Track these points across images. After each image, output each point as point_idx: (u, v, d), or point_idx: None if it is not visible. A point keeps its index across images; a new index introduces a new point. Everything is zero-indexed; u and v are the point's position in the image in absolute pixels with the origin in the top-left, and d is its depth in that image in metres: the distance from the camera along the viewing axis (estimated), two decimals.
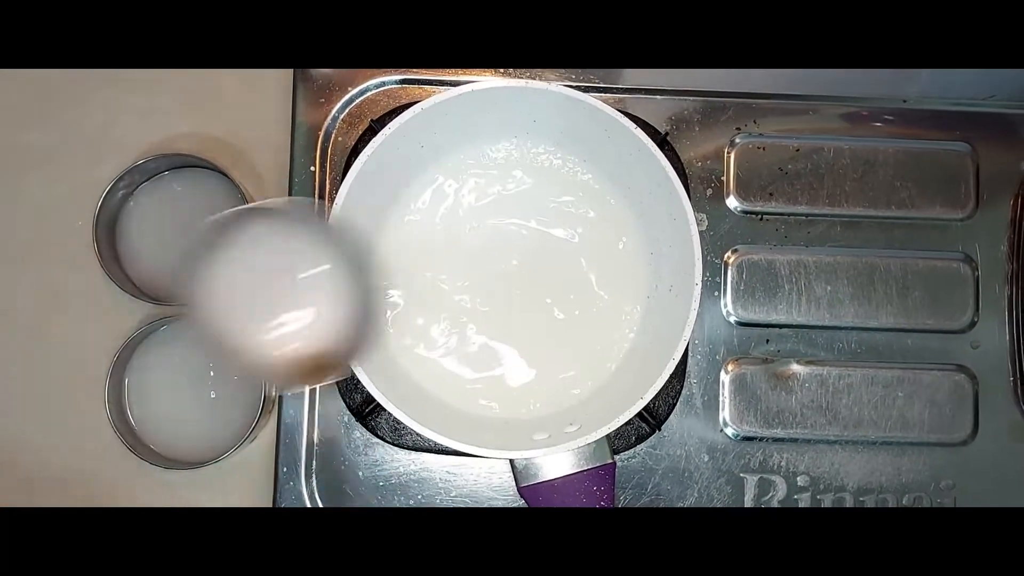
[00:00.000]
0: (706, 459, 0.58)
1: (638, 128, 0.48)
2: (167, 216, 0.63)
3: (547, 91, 0.48)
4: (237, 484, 0.60)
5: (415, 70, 0.59)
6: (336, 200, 0.48)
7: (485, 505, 0.57)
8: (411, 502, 0.57)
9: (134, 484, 0.60)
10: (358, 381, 0.55)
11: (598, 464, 0.49)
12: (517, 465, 0.49)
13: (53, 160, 0.63)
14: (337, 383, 0.57)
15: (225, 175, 0.59)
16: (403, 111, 0.50)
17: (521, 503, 0.55)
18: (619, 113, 0.49)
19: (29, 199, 0.63)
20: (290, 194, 0.59)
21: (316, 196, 0.59)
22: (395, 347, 0.54)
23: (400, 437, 0.56)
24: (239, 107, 0.64)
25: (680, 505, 0.57)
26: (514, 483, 0.50)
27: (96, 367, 0.60)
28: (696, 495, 0.58)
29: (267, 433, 0.60)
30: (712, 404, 0.58)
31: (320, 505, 0.57)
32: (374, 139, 0.48)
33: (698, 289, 0.48)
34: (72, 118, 0.64)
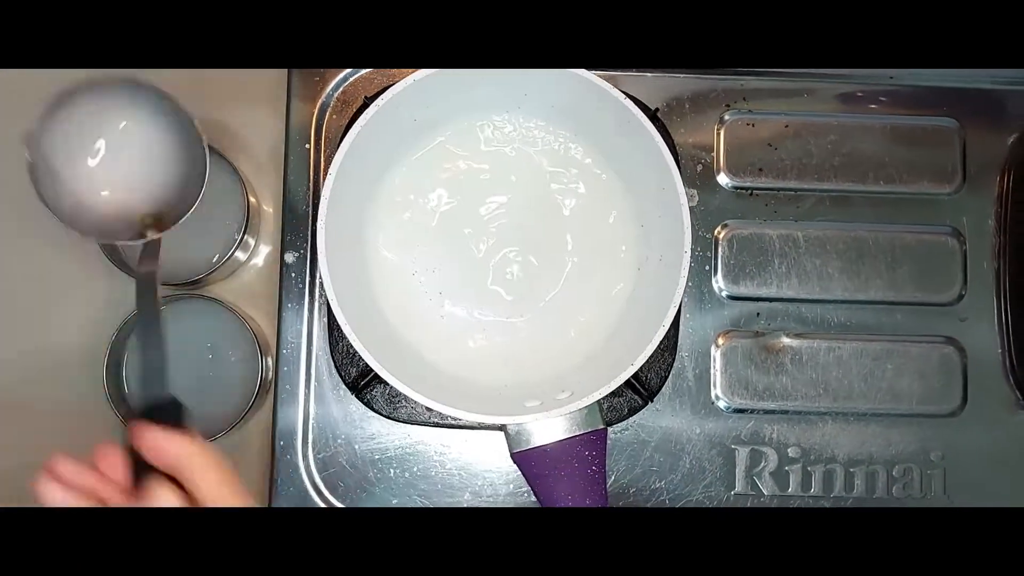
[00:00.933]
0: (698, 431, 0.59)
1: (629, 100, 0.49)
2: None
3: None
4: (235, 462, 0.61)
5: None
6: (329, 173, 0.49)
7: (479, 475, 0.57)
8: (406, 474, 0.58)
9: None
10: (353, 354, 0.57)
11: (589, 430, 0.50)
12: (510, 431, 0.50)
13: None
14: (333, 357, 0.58)
15: (221, 155, 0.60)
16: None
17: (515, 475, 0.56)
18: (611, 86, 0.49)
19: (22, 183, 0.63)
20: (285, 171, 0.59)
21: (311, 173, 0.59)
22: (390, 317, 0.55)
23: (395, 410, 0.57)
24: (234, 89, 0.64)
25: (672, 476, 0.58)
26: (507, 450, 0.51)
27: (94, 347, 0.60)
28: (688, 466, 0.58)
29: (265, 412, 0.61)
30: (704, 377, 0.59)
31: (317, 479, 0.57)
32: (366, 111, 0.49)
33: (687, 257, 0.49)
34: None
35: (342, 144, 0.49)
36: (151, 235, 0.48)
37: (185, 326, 0.62)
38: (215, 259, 0.61)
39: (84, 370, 0.61)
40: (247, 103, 0.64)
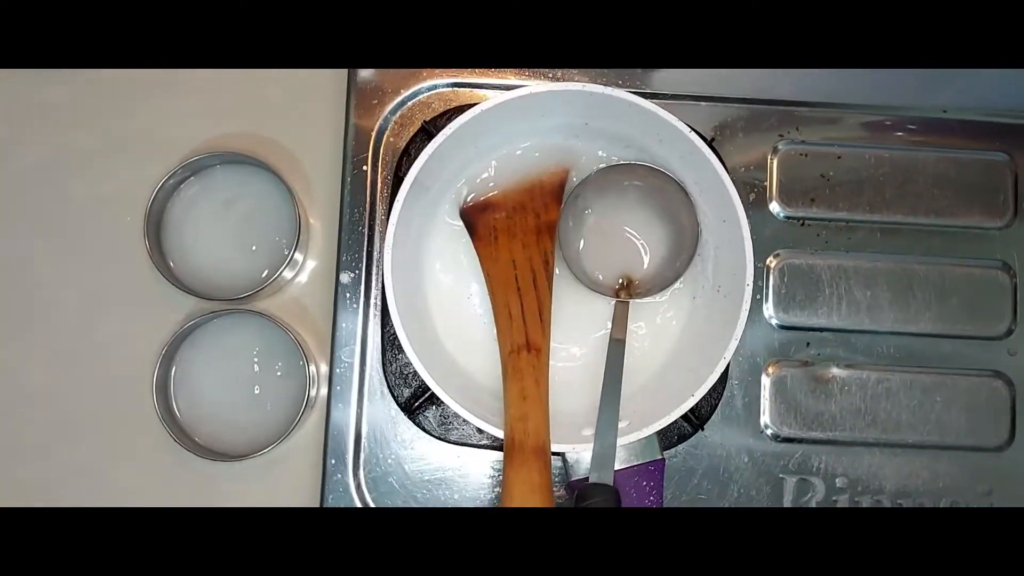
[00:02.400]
0: (746, 460, 0.59)
1: (692, 132, 0.50)
2: (214, 213, 0.64)
3: (604, 95, 0.50)
4: (282, 478, 0.62)
5: (463, 72, 0.60)
6: (396, 199, 0.49)
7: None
8: (456, 496, 0.58)
9: (179, 477, 0.62)
10: (407, 375, 0.57)
11: (647, 460, 0.50)
12: (568, 459, 0.50)
13: (102, 159, 0.65)
14: (386, 377, 0.58)
15: (273, 173, 0.60)
16: (455, 113, 0.51)
17: (567, 503, 0.56)
18: (673, 117, 0.50)
19: (79, 197, 0.64)
20: (342, 192, 0.60)
21: (368, 194, 0.60)
22: (445, 340, 0.55)
23: (448, 432, 0.57)
24: (289, 109, 0.65)
25: (720, 504, 0.58)
26: (564, 477, 0.51)
27: (144, 360, 0.61)
28: (736, 495, 0.58)
29: (313, 427, 0.61)
30: (753, 406, 0.59)
31: (368, 498, 0.58)
32: (435, 139, 0.49)
33: (749, 290, 0.49)
34: (120, 119, 0.65)
35: (409, 171, 0.49)
36: (623, 296, 0.52)
37: (234, 340, 0.62)
38: (265, 274, 0.61)
39: (134, 382, 0.61)
40: (300, 122, 0.65)
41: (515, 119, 0.52)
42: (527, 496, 0.44)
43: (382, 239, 0.59)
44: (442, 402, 0.54)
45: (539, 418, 0.46)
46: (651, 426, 0.48)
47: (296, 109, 0.65)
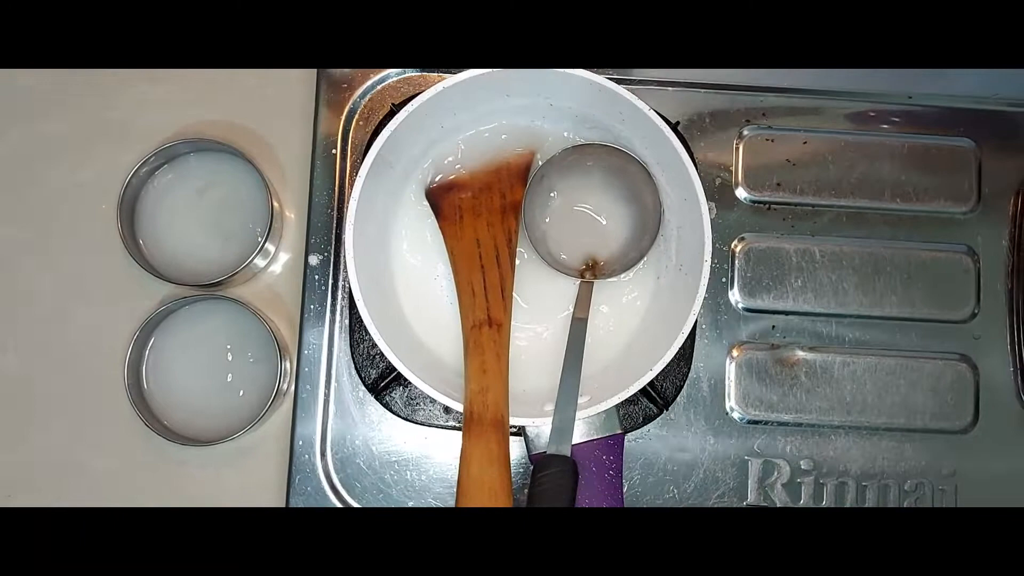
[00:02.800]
0: (712, 441, 0.59)
1: (652, 111, 0.50)
2: (187, 200, 0.64)
3: (567, 74, 0.50)
4: (253, 462, 0.62)
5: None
6: (358, 175, 0.50)
7: None
8: (423, 477, 0.58)
9: (151, 462, 0.62)
10: (374, 356, 0.57)
11: (608, 434, 0.50)
12: (529, 434, 0.50)
13: (76, 147, 0.65)
14: (353, 359, 0.59)
15: (247, 160, 0.61)
16: None
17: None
18: (633, 95, 0.50)
19: (53, 185, 0.64)
20: (312, 175, 0.60)
21: (336, 178, 0.60)
22: (412, 321, 0.56)
23: (414, 413, 0.58)
24: (262, 96, 0.65)
25: (685, 486, 0.58)
26: (526, 453, 0.51)
27: (117, 346, 0.61)
28: (701, 476, 0.59)
29: (283, 413, 0.62)
30: (718, 388, 0.60)
31: (335, 480, 0.58)
32: (396, 116, 0.50)
33: (707, 266, 0.50)
34: (94, 107, 0.66)
35: (371, 147, 0.50)
36: (588, 277, 0.53)
37: (206, 327, 0.63)
38: (238, 261, 0.62)
39: (106, 368, 0.62)
40: (274, 110, 0.65)
41: (479, 98, 0.52)
42: (485, 467, 0.44)
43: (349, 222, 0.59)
44: (409, 383, 0.55)
45: (498, 391, 0.47)
46: (610, 400, 0.49)
47: (269, 96, 0.65)
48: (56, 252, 0.64)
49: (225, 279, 0.61)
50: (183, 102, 0.65)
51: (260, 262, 0.61)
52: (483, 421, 0.46)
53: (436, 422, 0.58)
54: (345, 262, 0.58)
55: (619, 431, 0.51)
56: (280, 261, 0.64)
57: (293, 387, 0.60)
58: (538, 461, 0.47)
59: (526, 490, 0.48)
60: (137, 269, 0.61)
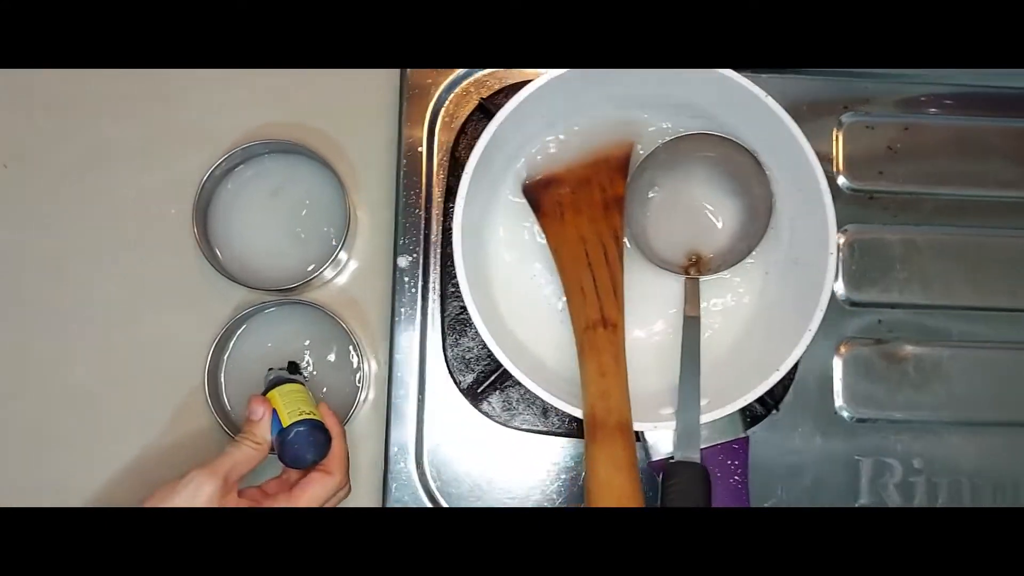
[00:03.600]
0: (819, 441, 0.57)
1: (770, 97, 0.48)
2: (260, 202, 0.63)
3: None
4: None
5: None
6: (465, 171, 0.48)
7: None
8: (522, 484, 0.57)
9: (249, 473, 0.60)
10: (471, 360, 0.55)
11: (731, 438, 0.48)
12: (648, 439, 0.48)
13: (146, 151, 0.63)
14: (447, 363, 0.57)
15: (321, 160, 0.59)
16: (512, 90, 0.50)
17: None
18: (749, 81, 0.48)
19: (122, 189, 0.63)
20: (397, 174, 0.58)
21: (424, 176, 0.58)
22: (509, 320, 0.54)
23: (512, 418, 0.56)
24: (330, 96, 0.64)
25: (794, 487, 0.56)
26: (645, 459, 0.49)
27: (192, 352, 0.60)
28: (812, 476, 0.56)
29: (371, 417, 0.60)
30: (825, 386, 0.57)
31: (432, 487, 0.56)
32: (499, 113, 0.48)
33: (832, 259, 0.48)
34: (165, 109, 0.64)
35: (477, 144, 0.48)
36: (692, 273, 0.51)
37: (283, 332, 0.61)
38: (313, 267, 0.60)
39: (183, 377, 0.60)
40: (344, 110, 0.63)
41: (580, 90, 0.50)
42: (612, 473, 0.42)
43: (439, 222, 0.57)
44: (505, 387, 0.53)
45: (620, 394, 0.45)
46: (735, 402, 0.47)
47: (339, 96, 0.63)
48: (126, 257, 0.62)
49: (303, 283, 0.59)
50: (252, 104, 0.64)
51: (336, 265, 0.60)
52: (607, 426, 0.44)
53: (535, 428, 0.56)
54: (435, 264, 0.57)
55: (743, 434, 0.48)
56: (354, 263, 0.62)
57: (368, 393, 0.58)
58: (666, 468, 0.45)
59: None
60: (210, 274, 0.60)
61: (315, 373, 0.60)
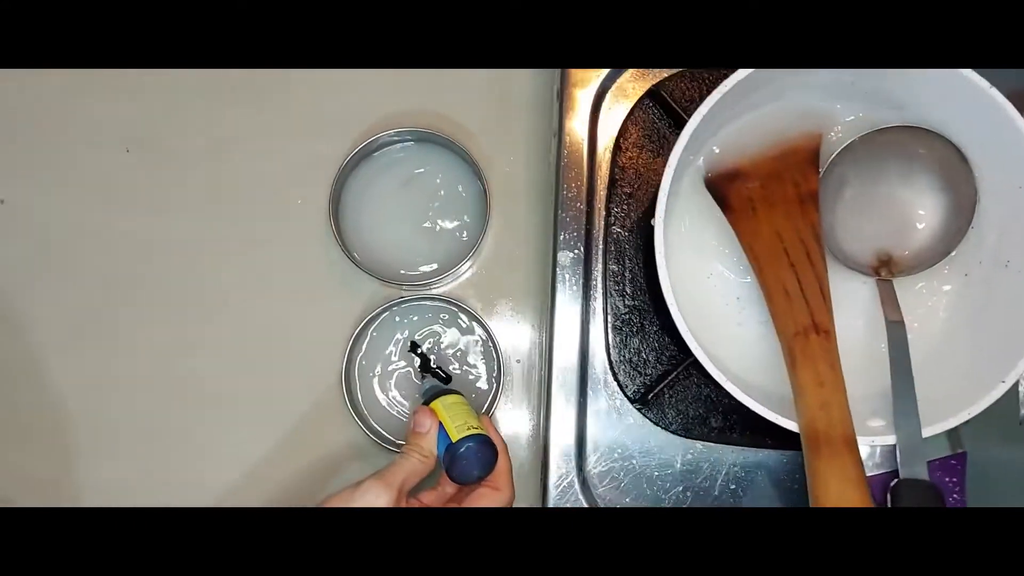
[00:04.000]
0: (1002, 449, 0.54)
1: (994, 88, 0.44)
2: (392, 191, 0.60)
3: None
4: None
5: None
6: (668, 165, 0.45)
7: (772, 500, 0.53)
8: (688, 494, 0.54)
9: (362, 468, 0.58)
10: (639, 363, 0.52)
11: (947, 454, 0.45)
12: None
13: (272, 139, 0.61)
14: (611, 364, 0.54)
15: (457, 149, 0.57)
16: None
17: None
18: (974, 73, 0.45)
19: (248, 179, 0.60)
20: (557, 167, 0.55)
21: (586, 169, 0.55)
22: (686, 321, 0.51)
23: (683, 426, 0.53)
24: (464, 83, 0.61)
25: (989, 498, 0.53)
26: None
27: (321, 344, 0.58)
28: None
29: (512, 416, 0.57)
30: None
31: (594, 493, 0.53)
32: (699, 110, 0.44)
33: None
34: (291, 97, 0.61)
35: (681, 137, 0.44)
36: (884, 274, 0.48)
37: (417, 325, 0.59)
38: (445, 256, 0.58)
39: (311, 369, 0.58)
40: (474, 98, 0.61)
41: (770, 81, 0.47)
42: (845, 491, 0.39)
43: (601, 216, 0.54)
44: (674, 393, 0.50)
45: (842, 405, 0.42)
46: (957, 415, 0.43)
47: (471, 83, 0.61)
48: (252, 247, 0.60)
49: (436, 278, 0.57)
50: (382, 89, 0.61)
51: (473, 259, 0.57)
52: (832, 440, 0.41)
53: (710, 436, 0.53)
54: (596, 260, 0.54)
55: (960, 449, 0.45)
56: (488, 257, 0.60)
57: (503, 391, 0.55)
58: (894, 488, 0.41)
59: None
60: (341, 265, 0.58)
61: (454, 369, 0.57)
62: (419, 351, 0.56)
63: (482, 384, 0.58)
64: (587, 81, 0.55)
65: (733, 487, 0.54)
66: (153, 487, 0.58)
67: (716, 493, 0.53)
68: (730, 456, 0.53)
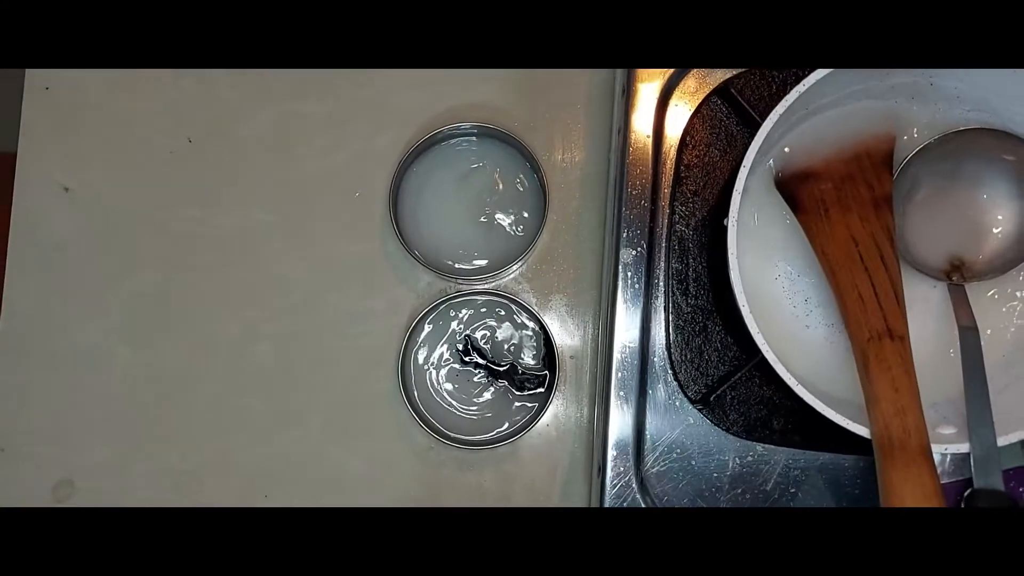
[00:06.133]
0: None
1: None
2: (450, 186, 0.60)
3: None
4: (518, 467, 0.58)
5: None
6: (743, 166, 0.44)
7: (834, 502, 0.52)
8: (747, 496, 0.53)
9: (416, 465, 0.59)
10: (702, 364, 0.52)
11: (1016, 465, 0.44)
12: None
13: (330, 130, 0.61)
14: (672, 367, 0.53)
15: (517, 144, 0.57)
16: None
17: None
18: None
19: (306, 169, 0.61)
20: (622, 163, 0.55)
21: (651, 166, 0.55)
22: (761, 323, 0.50)
23: (750, 431, 0.52)
24: (525, 77, 0.61)
25: None
26: None
27: (376, 337, 0.58)
28: None
29: (568, 414, 0.57)
30: None
31: (652, 495, 0.53)
32: (775, 109, 0.44)
33: None
34: (349, 87, 0.61)
35: (757, 136, 0.44)
36: (956, 279, 0.48)
37: (474, 323, 0.59)
38: (503, 251, 0.58)
39: (365, 361, 0.59)
40: (537, 91, 0.60)
41: (854, 78, 0.46)
42: (923, 502, 0.38)
43: (665, 215, 0.54)
44: (737, 395, 0.50)
45: (917, 413, 0.41)
46: None
47: (534, 77, 0.60)
48: (311, 239, 0.60)
49: (492, 273, 0.57)
50: (441, 80, 0.61)
51: (529, 254, 0.57)
52: (907, 448, 0.40)
53: (771, 438, 0.52)
54: (658, 259, 0.54)
55: None
56: (542, 252, 0.59)
57: (559, 390, 0.55)
58: (968, 498, 0.41)
59: None
60: (398, 257, 0.58)
61: (507, 366, 0.57)
62: (470, 345, 0.56)
63: (536, 380, 0.58)
64: (653, 77, 0.55)
65: (793, 490, 0.53)
66: (214, 473, 0.58)
67: (776, 496, 0.53)
68: (790, 458, 0.53)
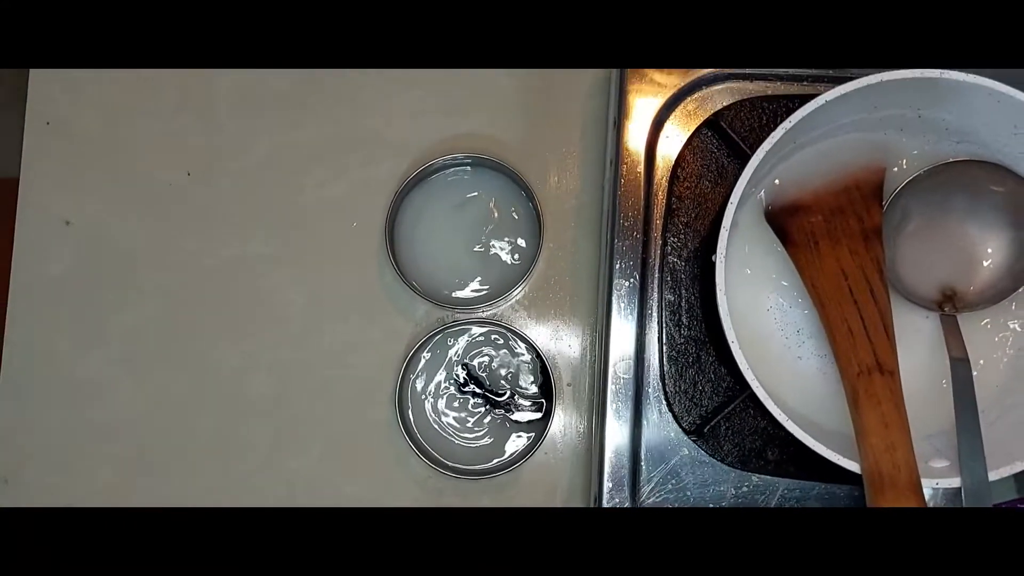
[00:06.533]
0: None
1: None
2: (445, 215, 0.61)
3: (959, 82, 0.44)
4: (531, 495, 0.58)
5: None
6: (730, 202, 0.44)
7: None
8: None
9: (413, 492, 0.59)
10: (696, 395, 0.52)
11: (1010, 499, 0.44)
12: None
13: (326, 161, 0.62)
14: (666, 395, 0.54)
15: (511, 173, 0.57)
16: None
17: None
18: (1013, 89, 0.44)
19: (304, 200, 0.61)
20: (614, 194, 0.55)
21: (643, 197, 0.55)
22: (751, 355, 0.50)
23: (745, 462, 0.52)
24: (521, 103, 0.61)
25: None
26: None
27: (374, 367, 0.58)
28: None
29: (566, 444, 0.58)
30: None
31: None
32: (767, 140, 0.44)
33: None
34: (346, 116, 0.62)
35: (746, 170, 0.44)
36: (948, 309, 0.48)
37: (468, 348, 0.59)
38: (499, 279, 0.59)
39: (363, 391, 0.59)
40: (536, 119, 0.61)
41: (842, 111, 0.47)
42: None
43: (657, 245, 0.54)
44: (731, 426, 0.50)
45: (906, 448, 0.41)
46: None
47: (530, 104, 0.61)
48: (308, 270, 0.61)
49: (489, 301, 0.57)
50: (437, 110, 0.61)
51: (525, 284, 0.58)
52: (897, 484, 0.40)
53: (766, 469, 0.52)
54: (651, 290, 0.54)
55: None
56: (537, 280, 0.60)
57: (543, 413, 0.55)
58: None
59: None
60: (394, 287, 0.59)
61: (505, 394, 0.58)
62: (467, 374, 0.57)
63: (533, 408, 0.58)
64: (644, 109, 0.55)
65: None
66: (214, 503, 0.59)
67: None
68: (785, 489, 0.53)
